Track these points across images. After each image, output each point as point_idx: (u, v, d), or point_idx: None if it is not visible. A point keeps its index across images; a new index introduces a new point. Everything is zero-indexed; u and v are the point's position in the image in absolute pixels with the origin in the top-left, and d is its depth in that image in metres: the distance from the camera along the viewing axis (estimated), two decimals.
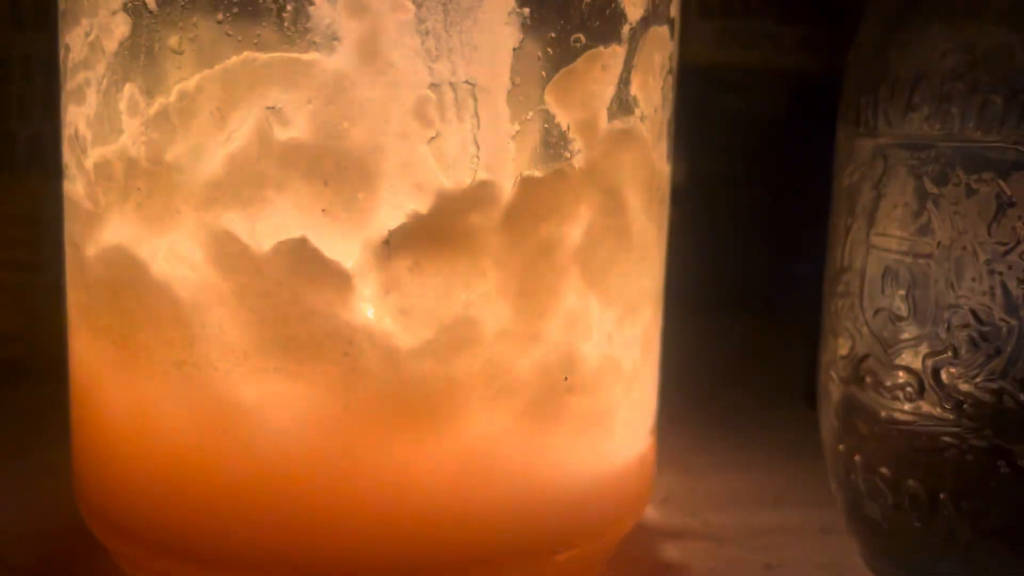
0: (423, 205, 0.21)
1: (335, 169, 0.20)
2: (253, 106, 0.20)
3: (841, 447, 0.26)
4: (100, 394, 0.23)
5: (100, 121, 0.22)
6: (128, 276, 0.22)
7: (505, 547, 0.23)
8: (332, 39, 0.20)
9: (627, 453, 0.25)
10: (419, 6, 0.20)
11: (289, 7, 0.20)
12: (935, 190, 0.23)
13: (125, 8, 0.21)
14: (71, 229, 0.24)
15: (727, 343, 0.48)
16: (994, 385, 0.22)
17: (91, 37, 0.22)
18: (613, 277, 0.23)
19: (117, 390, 0.23)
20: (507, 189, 0.21)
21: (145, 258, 0.22)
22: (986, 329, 0.22)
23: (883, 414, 0.24)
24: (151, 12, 0.21)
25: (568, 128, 0.22)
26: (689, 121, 0.30)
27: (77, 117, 0.23)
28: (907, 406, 0.24)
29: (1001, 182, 0.22)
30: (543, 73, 0.21)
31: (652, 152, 0.24)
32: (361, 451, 0.21)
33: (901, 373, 0.24)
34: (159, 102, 0.21)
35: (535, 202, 0.22)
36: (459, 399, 0.21)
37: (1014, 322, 0.22)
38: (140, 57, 0.21)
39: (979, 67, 0.22)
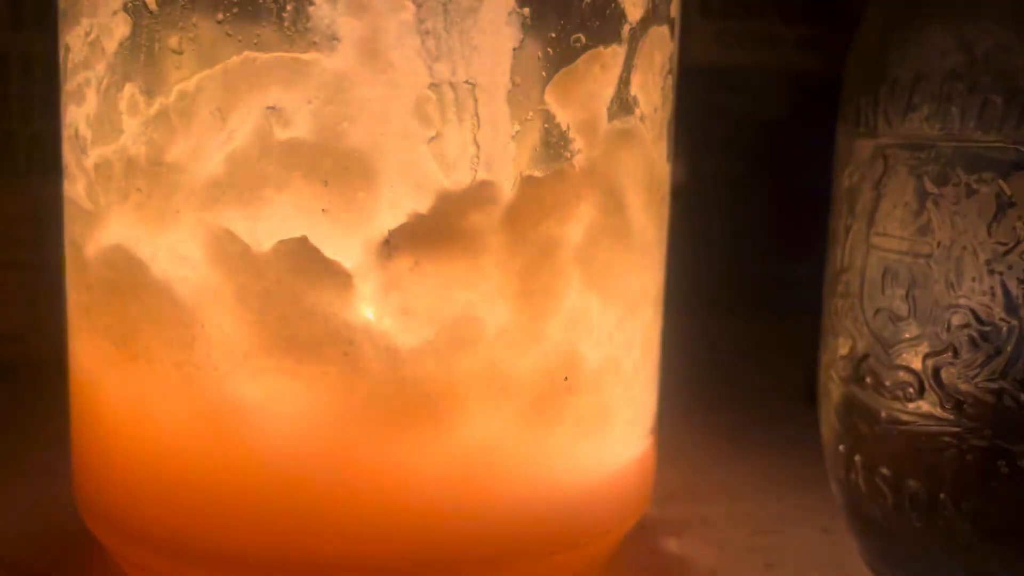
0: (423, 205, 0.21)
1: (335, 169, 0.20)
2: (253, 106, 0.20)
3: (841, 447, 0.26)
4: (100, 394, 0.23)
5: (100, 121, 0.22)
6: (128, 276, 0.22)
7: (505, 547, 0.23)
8: (332, 39, 0.20)
9: (627, 453, 0.25)
10: (419, 6, 0.20)
11: (289, 7, 0.20)
12: (935, 190, 0.23)
13: (125, 8, 0.21)
14: (71, 229, 0.24)
15: (727, 343, 0.48)
16: (994, 385, 0.22)
17: (91, 37, 0.22)
18: (613, 277, 0.23)
19: (117, 390, 0.23)
20: (507, 189, 0.21)
21: (145, 258, 0.22)
22: (986, 329, 0.22)
23: (883, 414, 0.24)
24: (151, 12, 0.21)
25: (568, 128, 0.22)
26: (689, 121, 0.30)
27: (77, 117, 0.23)
28: (907, 406, 0.24)
29: (1001, 182, 0.22)
30: (543, 73, 0.21)
31: (652, 152, 0.24)
32: (361, 451, 0.21)
33: (901, 373, 0.24)
34: (159, 102, 0.21)
35: (535, 202, 0.22)
36: (459, 399, 0.21)
37: (1014, 322, 0.22)
38: (140, 57, 0.21)
39: (979, 67, 0.22)
